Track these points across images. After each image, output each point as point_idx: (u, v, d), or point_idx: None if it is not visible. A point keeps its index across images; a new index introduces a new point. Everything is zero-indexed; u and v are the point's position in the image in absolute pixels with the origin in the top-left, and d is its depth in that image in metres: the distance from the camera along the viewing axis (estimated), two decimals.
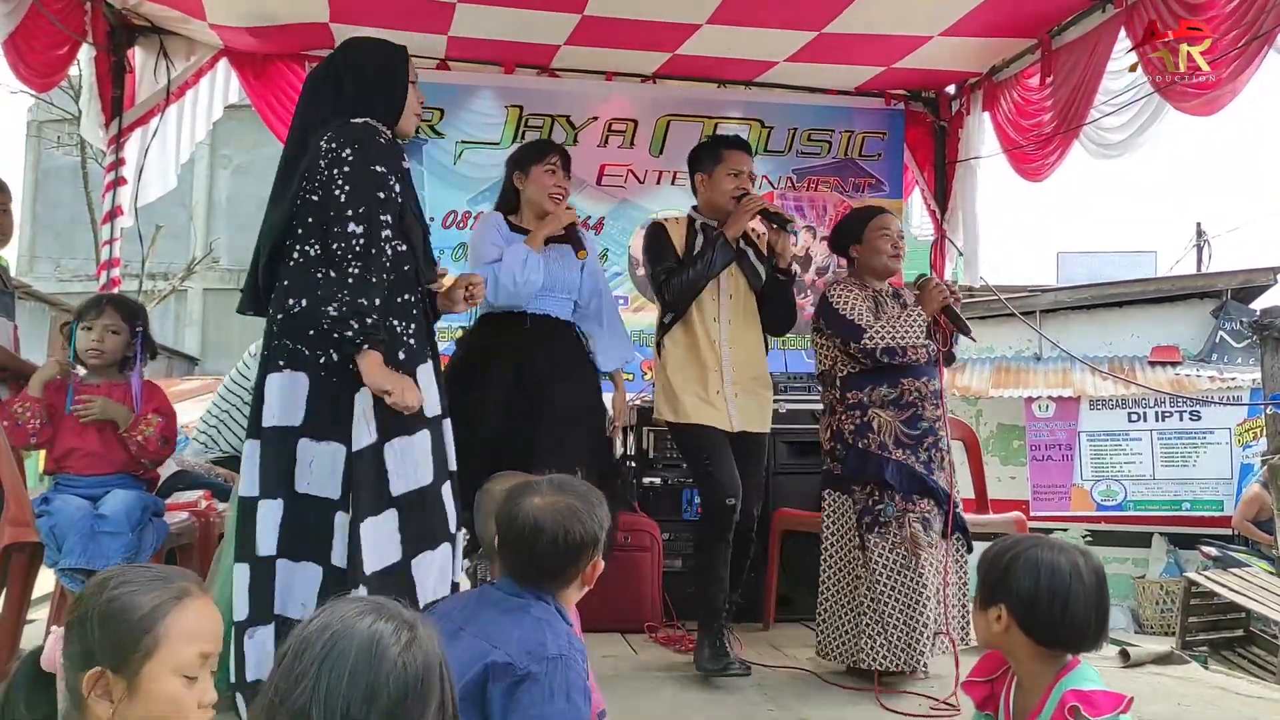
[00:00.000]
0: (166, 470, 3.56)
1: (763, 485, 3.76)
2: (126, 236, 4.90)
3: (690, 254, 3.62)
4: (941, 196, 5.58)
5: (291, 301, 2.56)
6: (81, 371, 3.22)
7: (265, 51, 4.90)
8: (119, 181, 4.78)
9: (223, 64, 4.95)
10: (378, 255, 2.48)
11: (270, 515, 2.52)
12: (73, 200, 13.54)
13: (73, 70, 4.58)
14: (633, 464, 4.58)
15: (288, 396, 2.54)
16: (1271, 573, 6.60)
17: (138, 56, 4.75)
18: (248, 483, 2.56)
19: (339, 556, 2.50)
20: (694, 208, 3.81)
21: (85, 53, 4.47)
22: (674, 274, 3.59)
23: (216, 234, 15.99)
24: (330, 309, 2.43)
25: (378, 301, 2.46)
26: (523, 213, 3.61)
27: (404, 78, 2.76)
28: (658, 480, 4.55)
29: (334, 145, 2.55)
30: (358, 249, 2.46)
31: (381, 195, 2.52)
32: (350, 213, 2.48)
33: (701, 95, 5.40)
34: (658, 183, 5.39)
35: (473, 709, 1.71)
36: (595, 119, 5.30)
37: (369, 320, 2.44)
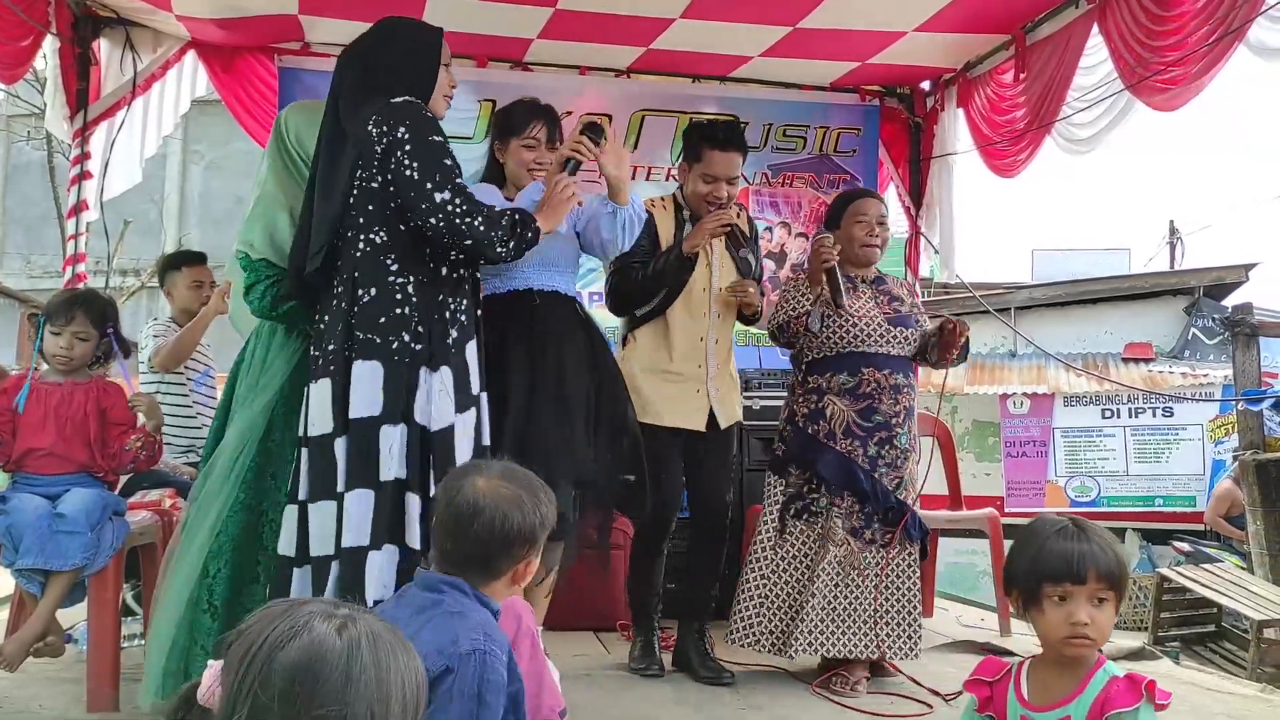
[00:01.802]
0: None
1: (734, 471, 3.70)
2: (94, 232, 4.82)
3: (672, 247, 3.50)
4: (916, 193, 5.58)
5: (361, 291, 2.56)
6: (43, 367, 3.16)
7: (233, 44, 4.83)
8: (84, 175, 4.69)
9: (190, 56, 4.87)
10: (477, 204, 2.55)
11: (359, 507, 2.47)
12: (43, 196, 13.33)
13: (39, 63, 4.50)
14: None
15: (367, 386, 2.51)
16: (1243, 568, 6.64)
17: (103, 48, 4.67)
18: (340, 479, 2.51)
19: (413, 537, 2.46)
20: (680, 187, 3.67)
21: (49, 44, 4.39)
22: (628, 273, 3.49)
23: (188, 230, 15.80)
24: (500, 251, 2.59)
25: (503, 217, 2.60)
26: (508, 188, 3.31)
27: (436, 59, 2.72)
28: (631, 476, 4.50)
29: (385, 128, 2.54)
30: (460, 209, 2.52)
31: (448, 162, 2.55)
32: (430, 185, 2.51)
33: (676, 90, 5.37)
34: (633, 177, 5.33)
35: None
36: (569, 113, 5.25)
37: (518, 220, 2.62)
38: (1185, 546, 8.54)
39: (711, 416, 3.50)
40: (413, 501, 2.48)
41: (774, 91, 5.42)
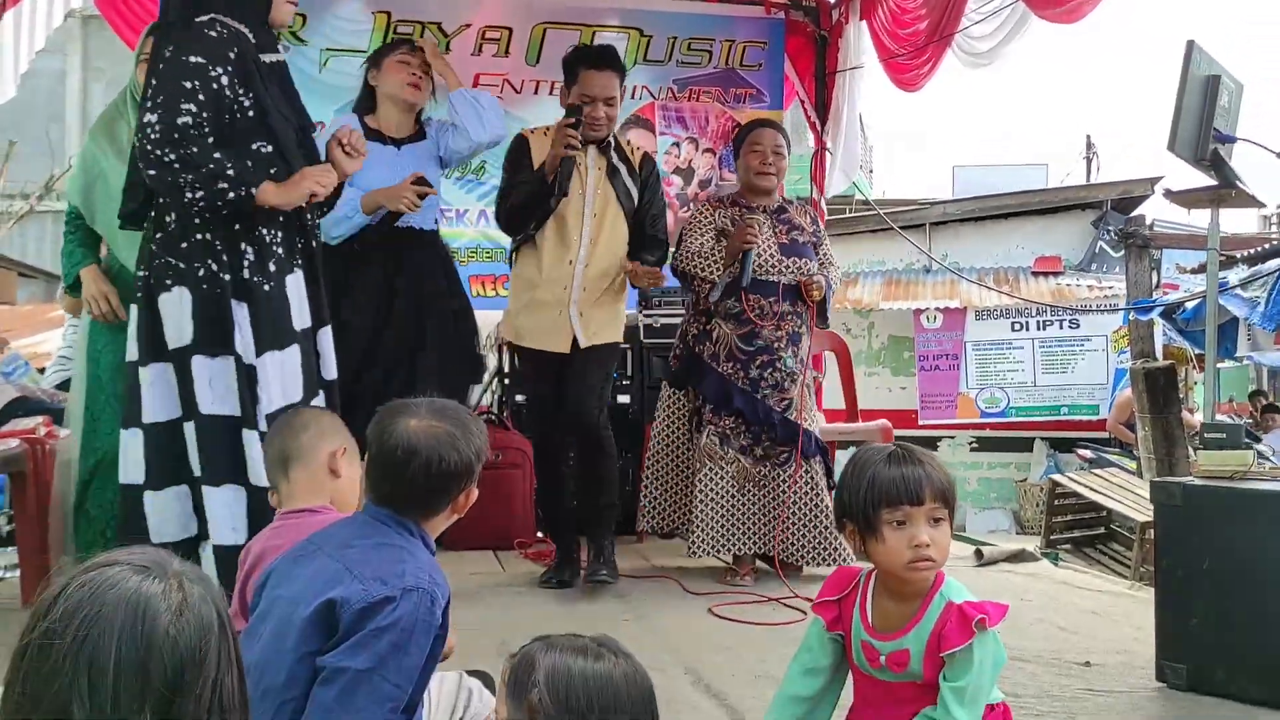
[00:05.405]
0: (5, 396, 3.42)
1: (605, 387, 3.60)
2: None
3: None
4: (822, 108, 5.55)
5: (168, 218, 2.52)
6: None
7: None
8: None
9: None
10: (183, 134, 2.40)
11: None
12: None
13: None
14: (507, 380, 4.53)
15: (177, 315, 2.48)
16: (1133, 472, 6.91)
17: None
18: (150, 409, 2.51)
19: (255, 475, 2.45)
20: None
21: None
22: (504, 199, 3.56)
23: None
24: (189, 196, 2.40)
25: (217, 156, 2.42)
26: (381, 110, 3.50)
27: None
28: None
29: (159, 46, 2.49)
30: (154, 136, 2.39)
31: (188, 84, 2.43)
32: (148, 104, 2.42)
33: (578, 2, 5.25)
34: (535, 93, 5.24)
35: (318, 633, 1.67)
36: (468, 26, 5.11)
37: (229, 174, 2.41)
38: (1088, 454, 8.86)
39: (575, 338, 3.47)
40: (250, 439, 2.46)
41: (678, 4, 5.33)
